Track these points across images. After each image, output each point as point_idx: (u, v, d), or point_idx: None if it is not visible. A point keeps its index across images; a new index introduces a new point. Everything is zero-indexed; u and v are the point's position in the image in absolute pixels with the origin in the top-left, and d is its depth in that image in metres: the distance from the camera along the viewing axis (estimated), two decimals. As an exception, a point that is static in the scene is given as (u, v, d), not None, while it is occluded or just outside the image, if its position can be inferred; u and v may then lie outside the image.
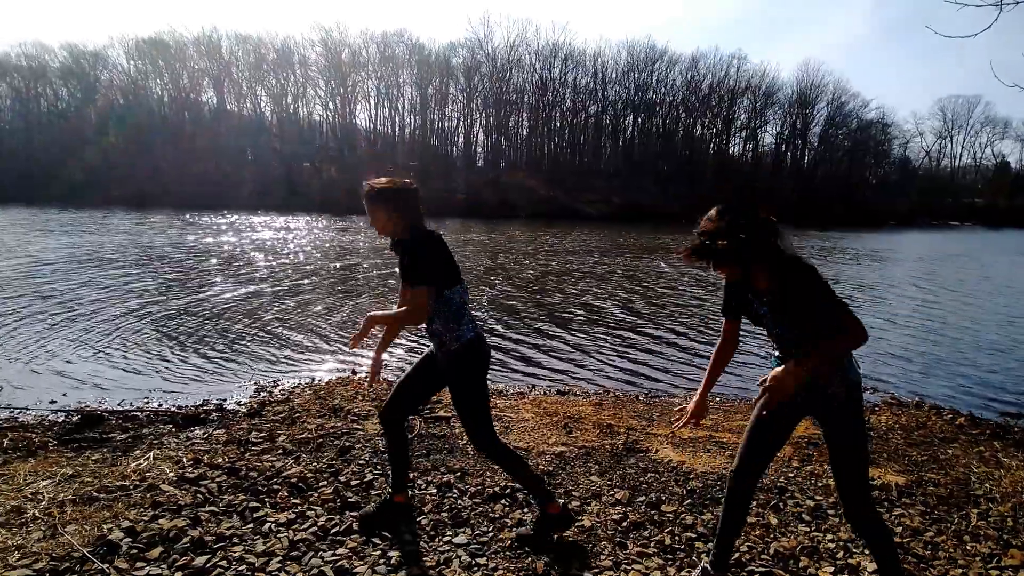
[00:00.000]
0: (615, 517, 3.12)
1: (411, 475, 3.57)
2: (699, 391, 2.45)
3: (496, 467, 3.71)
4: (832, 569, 2.72)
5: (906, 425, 4.87)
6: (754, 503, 3.35)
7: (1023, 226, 57.67)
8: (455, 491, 3.38)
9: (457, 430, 4.31)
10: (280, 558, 2.67)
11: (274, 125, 65.40)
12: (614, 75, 68.94)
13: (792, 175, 67.07)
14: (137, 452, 3.88)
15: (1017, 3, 3.80)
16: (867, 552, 2.86)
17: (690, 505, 3.30)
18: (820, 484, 3.65)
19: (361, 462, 3.73)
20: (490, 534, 2.93)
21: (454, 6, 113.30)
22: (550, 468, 3.72)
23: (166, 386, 5.79)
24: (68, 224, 25.53)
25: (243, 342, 7.52)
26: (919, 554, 2.85)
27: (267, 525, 2.94)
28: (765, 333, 2.27)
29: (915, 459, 4.08)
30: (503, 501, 3.28)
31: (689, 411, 2.46)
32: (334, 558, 2.69)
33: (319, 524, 2.96)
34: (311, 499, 3.23)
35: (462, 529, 2.98)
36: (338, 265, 15.81)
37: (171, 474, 3.47)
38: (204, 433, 4.29)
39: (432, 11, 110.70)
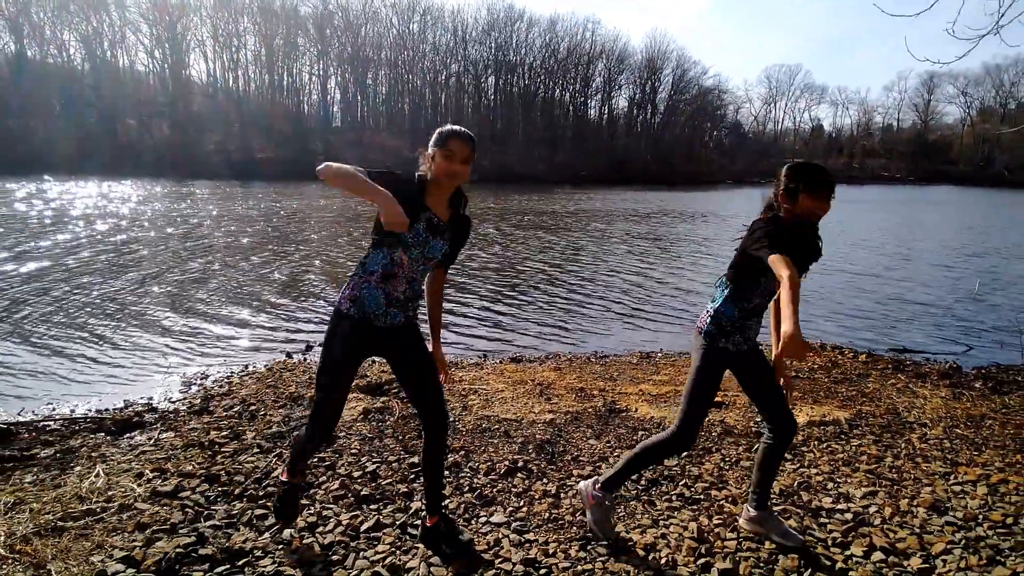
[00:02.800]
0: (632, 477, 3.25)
1: (413, 456, 3.44)
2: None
3: (494, 440, 3.70)
4: (830, 499, 3.06)
5: (823, 366, 5.53)
6: (740, 447, 3.66)
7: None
8: (467, 470, 3.31)
9: (438, 407, 4.19)
10: (320, 566, 2.47)
11: (88, 76, 56.54)
12: (474, 34, 68.17)
13: (644, 137, 71.42)
14: (78, 468, 3.34)
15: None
16: (851, 480, 3.26)
17: (688, 457, 3.52)
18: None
19: (353, 451, 3.52)
20: (524, 509, 2.93)
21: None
22: (547, 436, 3.76)
23: (60, 389, 4.99)
24: None
25: (140, 333, 6.64)
26: (891, 478, 3.29)
27: (287, 532, 2.69)
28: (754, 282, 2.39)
29: (846, 395, 4.67)
30: (519, 475, 3.27)
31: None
32: (378, 556, 2.54)
33: (344, 523, 2.77)
34: (319, 497, 3.01)
35: (494, 508, 2.94)
36: (216, 234, 14.38)
37: (139, 489, 3.04)
38: (149, 439, 3.78)
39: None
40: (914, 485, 3.21)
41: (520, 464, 3.37)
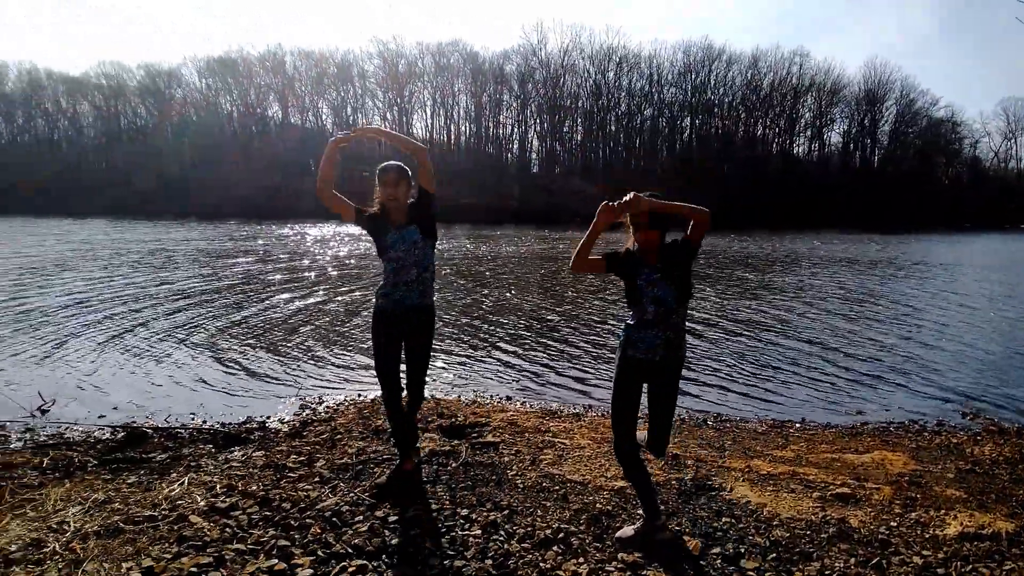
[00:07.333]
0: (690, 574, 2.69)
1: (455, 509, 3.25)
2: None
3: (547, 503, 3.35)
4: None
5: (1011, 458, 4.19)
6: (852, 559, 2.84)
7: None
8: (502, 533, 3.02)
9: (507, 459, 3.96)
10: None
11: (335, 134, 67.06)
12: (670, 77, 67.69)
13: (861, 175, 63.88)
14: (173, 475, 3.71)
15: None
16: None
17: (775, 561, 2.82)
18: (928, 535, 3.10)
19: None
20: (540, 590, 2.56)
21: (508, 15, 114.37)
22: (609, 507, 3.30)
23: (216, 400, 5.70)
24: (141, 235, 26.79)
25: (296, 355, 7.42)
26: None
27: (296, 572, 2.65)
28: (635, 297, 2.79)
29: (1033, 502, 3.45)
30: (555, 548, 2.89)
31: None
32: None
33: (349, 572, 2.65)
34: (344, 537, 2.94)
35: (508, 582, 2.61)
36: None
37: (202, 503, 3.26)
38: (243, 455, 4.09)
39: (486, 20, 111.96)
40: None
41: (562, 535, 2.99)
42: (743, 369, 7.13)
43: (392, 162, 3.29)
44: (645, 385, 2.91)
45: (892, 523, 3.18)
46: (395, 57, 67.09)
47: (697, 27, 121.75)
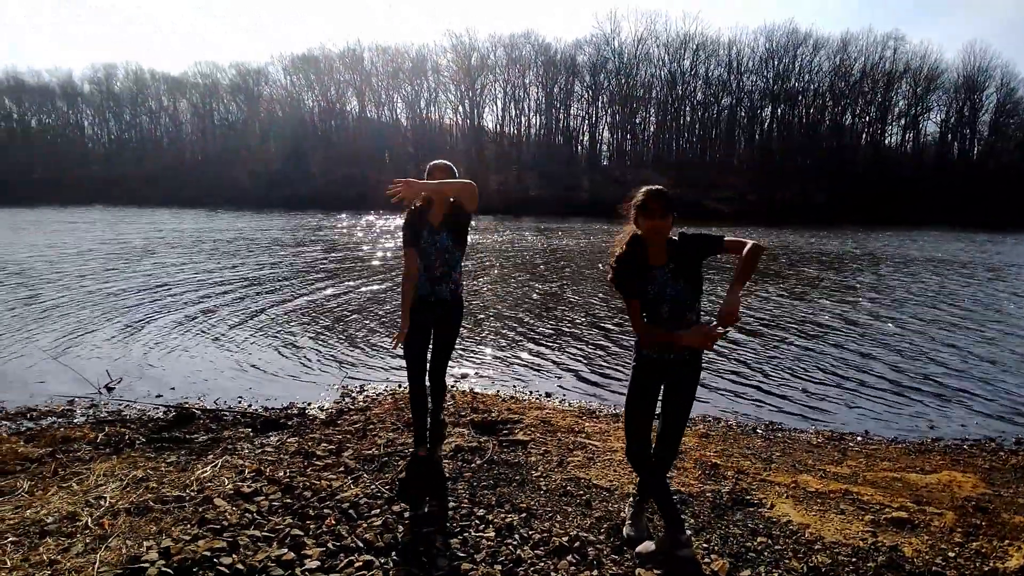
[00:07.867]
0: (707, 596, 2.49)
1: (472, 508, 3.16)
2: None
3: (568, 508, 3.21)
4: None
5: None
6: (901, 595, 2.55)
7: None
8: (516, 537, 2.91)
9: (534, 458, 3.84)
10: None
11: (408, 131, 68.76)
12: (751, 64, 64.65)
13: (959, 168, 58.91)
14: (210, 457, 3.83)
15: None
16: None
17: (808, 589, 2.57)
18: (987, 568, 2.74)
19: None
20: (546, 602, 2.43)
21: (581, 3, 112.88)
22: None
23: (264, 384, 5.89)
24: (225, 224, 28.34)
25: (345, 342, 7.58)
26: None
27: (303, 562, 2.65)
28: (647, 300, 2.65)
29: None
30: (570, 557, 2.75)
31: None
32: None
33: (355, 567, 2.62)
34: (358, 530, 2.92)
35: (514, 591, 2.50)
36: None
37: (229, 487, 3.33)
38: (278, 440, 4.18)
39: (559, 9, 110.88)
40: None
41: (578, 544, 2.84)
42: (802, 375, 6.67)
43: (440, 160, 3.51)
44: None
45: (950, 553, 2.84)
46: (468, 50, 67.60)
47: (781, 11, 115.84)
